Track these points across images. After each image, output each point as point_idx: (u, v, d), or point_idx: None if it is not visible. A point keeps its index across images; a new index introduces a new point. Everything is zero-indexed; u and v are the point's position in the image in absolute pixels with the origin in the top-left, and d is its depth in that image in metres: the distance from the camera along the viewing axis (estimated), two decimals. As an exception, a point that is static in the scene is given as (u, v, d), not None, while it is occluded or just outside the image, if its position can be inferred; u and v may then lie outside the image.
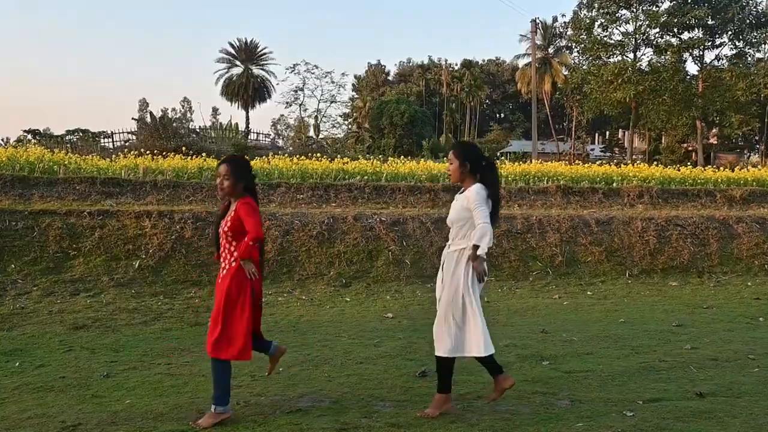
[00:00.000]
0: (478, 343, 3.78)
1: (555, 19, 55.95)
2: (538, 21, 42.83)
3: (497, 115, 78.28)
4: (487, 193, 3.85)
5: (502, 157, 35.01)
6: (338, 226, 10.06)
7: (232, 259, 3.80)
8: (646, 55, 37.92)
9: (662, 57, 36.85)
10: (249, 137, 44.29)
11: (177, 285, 8.40)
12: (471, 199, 3.82)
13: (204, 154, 15.21)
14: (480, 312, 3.83)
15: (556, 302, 8.37)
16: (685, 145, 44.07)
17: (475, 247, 3.75)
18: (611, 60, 37.47)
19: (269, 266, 8.94)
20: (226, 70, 51.60)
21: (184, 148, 17.72)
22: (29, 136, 34.11)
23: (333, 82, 47.02)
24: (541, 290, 9.16)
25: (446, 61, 67.39)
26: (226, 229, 3.84)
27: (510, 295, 8.75)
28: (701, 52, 37.45)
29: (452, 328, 3.81)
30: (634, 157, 39.58)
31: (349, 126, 61.87)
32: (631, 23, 37.02)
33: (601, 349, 5.68)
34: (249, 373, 4.76)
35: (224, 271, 3.83)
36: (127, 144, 31.30)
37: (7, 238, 8.68)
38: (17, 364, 5.07)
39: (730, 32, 37.00)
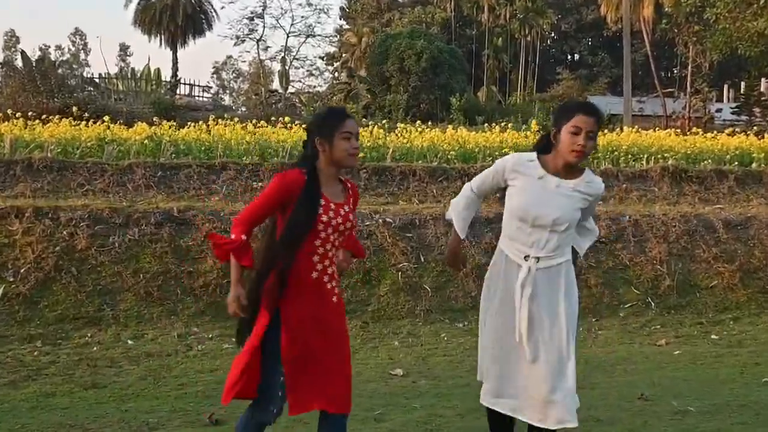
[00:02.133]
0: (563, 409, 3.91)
1: None
2: None
3: (568, 57, 78.35)
4: None
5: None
6: (318, 230, 10.04)
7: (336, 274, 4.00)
8: (806, -39, 37.89)
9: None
10: (178, 91, 44.52)
11: (64, 324, 8.38)
12: (598, 194, 4.21)
13: (107, 118, 15.19)
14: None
15: (662, 351, 8.37)
16: None
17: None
18: (749, -31, 37.44)
19: (208, 295, 8.96)
20: (141, -15, 51.87)
21: (75, 108, 17.71)
22: None
23: (310, 5, 47.01)
24: (638, 332, 9.16)
25: (488, -29, 67.32)
26: (348, 225, 3.96)
27: (589, 340, 8.73)
28: None
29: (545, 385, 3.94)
30: (785, 122, 39.51)
31: (336, 74, 62.01)
32: None
33: (734, 426, 5.67)
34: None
35: (329, 286, 3.98)
36: (-15, 102, 31.47)
37: None
38: None
39: None
